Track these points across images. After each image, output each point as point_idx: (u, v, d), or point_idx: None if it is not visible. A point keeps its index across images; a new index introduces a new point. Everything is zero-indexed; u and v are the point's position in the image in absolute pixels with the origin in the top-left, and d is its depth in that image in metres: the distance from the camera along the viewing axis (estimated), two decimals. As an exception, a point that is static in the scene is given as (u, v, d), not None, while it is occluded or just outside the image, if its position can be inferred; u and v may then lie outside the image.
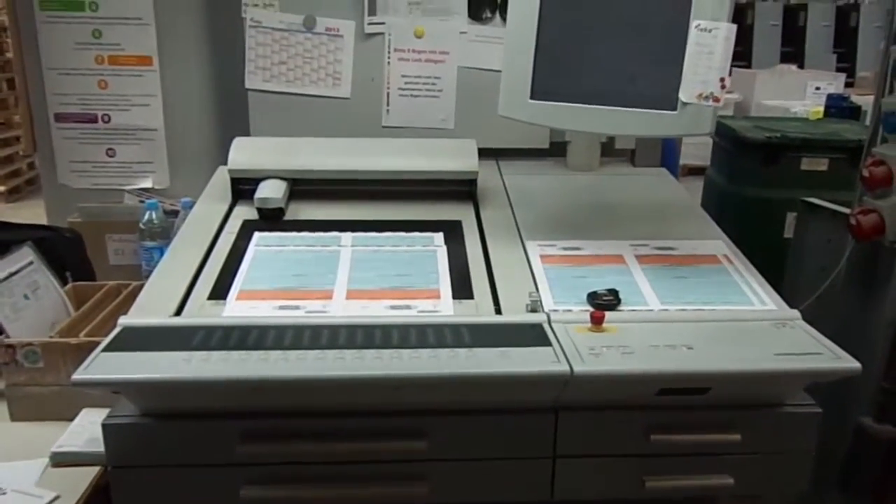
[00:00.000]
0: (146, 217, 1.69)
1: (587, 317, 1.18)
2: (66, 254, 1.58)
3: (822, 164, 2.26)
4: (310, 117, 1.79)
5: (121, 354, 1.05)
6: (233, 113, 1.88)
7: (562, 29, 1.28)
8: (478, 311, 1.23)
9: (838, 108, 3.30)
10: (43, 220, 1.99)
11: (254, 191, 1.52)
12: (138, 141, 1.97)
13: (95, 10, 1.88)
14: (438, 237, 1.46)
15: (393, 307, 1.23)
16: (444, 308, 1.24)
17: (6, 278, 1.35)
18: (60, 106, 1.93)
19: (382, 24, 1.76)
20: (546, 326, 1.17)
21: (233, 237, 1.43)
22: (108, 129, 1.96)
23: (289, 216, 1.53)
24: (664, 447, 1.14)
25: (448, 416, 1.12)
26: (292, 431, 1.10)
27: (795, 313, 1.23)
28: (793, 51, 7.77)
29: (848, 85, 5.95)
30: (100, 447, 1.09)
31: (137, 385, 1.03)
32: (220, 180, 1.62)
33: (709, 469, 1.16)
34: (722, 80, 1.17)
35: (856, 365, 1.07)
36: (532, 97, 1.32)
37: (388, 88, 1.80)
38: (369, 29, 1.76)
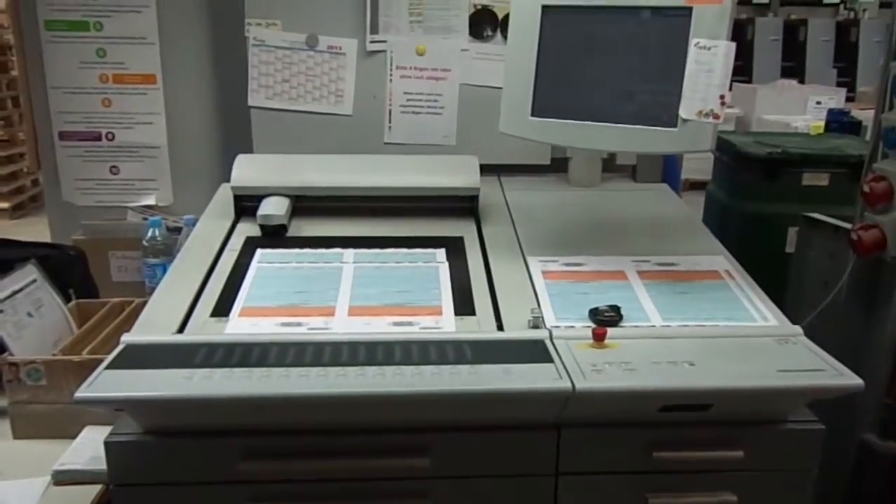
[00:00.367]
0: (149, 234, 1.70)
1: (589, 333, 1.18)
2: (69, 271, 1.59)
3: (823, 180, 2.26)
4: (312, 134, 1.80)
5: (123, 372, 1.05)
6: (236, 130, 1.88)
7: (562, 46, 1.29)
8: (479, 327, 1.24)
9: (839, 122, 3.31)
10: (47, 237, 1.99)
11: (257, 208, 1.53)
12: (142, 158, 1.98)
13: (100, 30, 1.89)
14: (440, 253, 1.46)
15: (395, 324, 1.23)
16: (446, 324, 1.24)
17: (10, 296, 1.36)
18: (65, 124, 1.94)
19: (384, 42, 1.77)
20: (548, 343, 1.17)
21: (235, 254, 1.44)
22: (111, 147, 1.96)
23: (291, 233, 1.53)
24: (667, 464, 1.14)
25: (450, 433, 1.12)
26: (294, 449, 1.10)
27: (797, 329, 1.22)
28: (793, 66, 7.80)
29: (849, 100, 5.97)
30: (102, 465, 1.09)
31: (140, 403, 1.03)
32: (223, 197, 1.63)
33: (712, 486, 1.16)
34: (722, 97, 1.18)
35: (858, 381, 1.07)
36: (533, 114, 1.33)
37: (391, 105, 1.81)
38: (371, 47, 1.78)
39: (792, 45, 7.96)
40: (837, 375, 1.08)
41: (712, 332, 1.22)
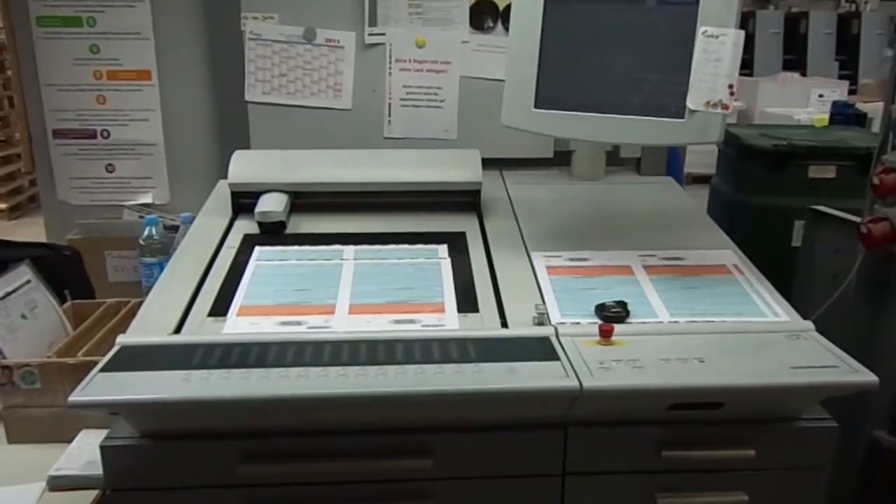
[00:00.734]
0: (146, 233, 1.67)
1: (595, 330, 1.15)
2: (64, 272, 1.56)
3: (829, 172, 2.24)
4: (310, 129, 1.77)
5: (119, 375, 1.03)
6: (233, 126, 1.86)
7: (565, 36, 1.26)
8: (483, 324, 1.21)
9: (844, 115, 3.28)
10: (43, 238, 1.97)
11: (254, 204, 1.50)
12: (138, 156, 1.95)
13: (93, 25, 1.86)
14: (442, 249, 1.43)
15: (397, 321, 1.20)
16: (449, 322, 1.21)
17: (3, 297, 1.33)
18: (59, 122, 1.91)
19: (383, 34, 1.74)
20: (554, 340, 1.14)
21: (233, 252, 1.41)
22: (107, 145, 1.94)
23: (290, 230, 1.51)
24: (677, 463, 1.11)
25: (453, 433, 1.09)
26: (294, 451, 1.07)
27: (809, 325, 1.20)
28: (794, 58, 7.76)
29: (851, 92, 5.94)
30: (98, 470, 1.06)
31: (135, 406, 1.00)
32: (221, 194, 1.60)
33: (722, 485, 1.13)
34: (730, 87, 1.15)
35: (873, 378, 1.04)
36: (536, 106, 1.30)
37: (390, 99, 1.78)
38: (370, 40, 1.75)
39: (793, 37, 7.92)
40: (852, 372, 1.05)
41: (722, 328, 1.19)
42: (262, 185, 1.54)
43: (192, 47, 1.92)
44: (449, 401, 1.02)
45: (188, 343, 1.11)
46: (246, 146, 1.75)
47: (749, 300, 1.28)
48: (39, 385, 1.23)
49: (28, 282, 1.40)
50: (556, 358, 1.08)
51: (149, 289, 1.65)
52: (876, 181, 1.53)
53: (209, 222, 1.52)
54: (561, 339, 1.14)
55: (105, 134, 1.93)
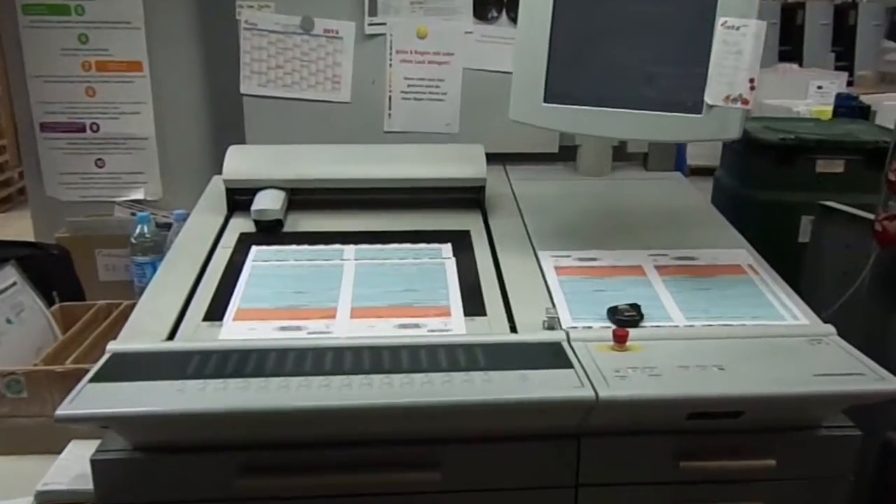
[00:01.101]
0: (137, 231, 1.62)
1: (608, 334, 1.10)
2: (52, 272, 1.50)
3: (837, 167, 2.19)
4: (308, 123, 1.72)
5: (109, 385, 0.97)
6: (227, 120, 1.81)
7: (577, 27, 1.21)
8: (491, 328, 1.16)
9: (847, 107, 3.24)
10: (32, 233, 1.91)
11: (250, 201, 1.45)
12: (129, 150, 1.89)
13: (81, 14, 1.80)
14: (446, 249, 1.38)
15: (401, 326, 1.15)
16: (456, 326, 1.16)
17: (-13, 300, 1.28)
18: (46, 115, 1.85)
19: (383, 24, 1.69)
20: (565, 345, 1.09)
21: (229, 252, 1.36)
22: (96, 139, 1.88)
23: (288, 228, 1.46)
24: (694, 474, 1.06)
25: (462, 444, 1.04)
26: (295, 463, 1.02)
27: (830, 328, 1.15)
28: (790, 49, 7.71)
29: (848, 84, 5.89)
30: (88, 484, 1.01)
31: (127, 420, 0.95)
32: (215, 191, 1.55)
33: (742, 496, 1.09)
34: (751, 80, 1.09)
35: (901, 386, 1.00)
36: (546, 100, 1.25)
37: (390, 92, 1.73)
38: (370, 30, 1.69)
39: (789, 28, 7.87)
40: (879, 380, 1.01)
41: (739, 332, 1.14)
42: (258, 182, 1.49)
43: (185, 37, 1.86)
44: (457, 412, 0.98)
45: (182, 350, 1.06)
46: (241, 140, 1.70)
47: (766, 302, 1.23)
48: (26, 394, 1.18)
49: (14, 284, 1.34)
50: (570, 365, 1.04)
51: (141, 289, 1.60)
52: (892, 177, 1.48)
53: (203, 220, 1.47)
54: (573, 344, 1.10)
55: (94, 127, 1.87)
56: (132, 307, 1.21)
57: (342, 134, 1.70)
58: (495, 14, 1.69)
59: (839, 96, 3.33)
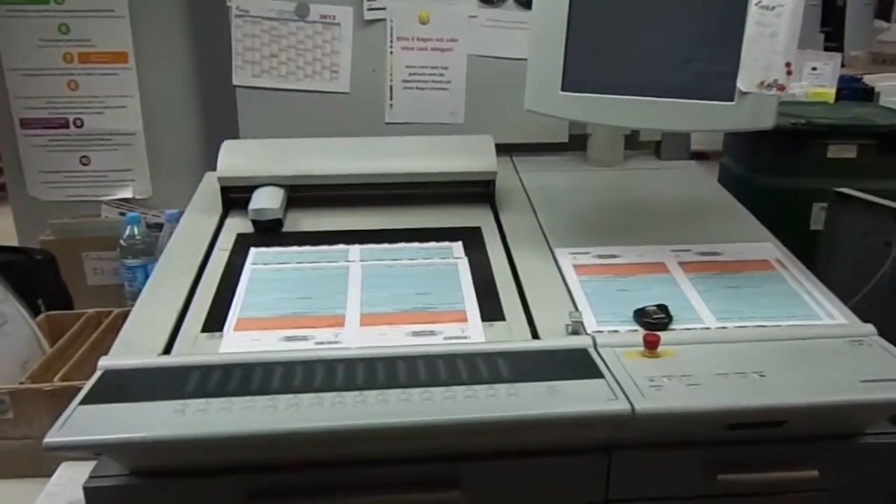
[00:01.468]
0: (127, 232, 1.53)
1: (637, 338, 1.03)
2: (37, 279, 1.42)
3: (850, 152, 2.12)
4: (305, 115, 1.64)
5: (102, 407, 0.89)
6: (220, 113, 1.72)
7: (597, 9, 1.13)
8: (511, 334, 1.09)
9: (851, 90, 3.17)
10: (13, 237, 1.82)
11: (247, 200, 1.36)
12: (115, 147, 1.81)
13: (61, 3, 1.70)
14: (457, 247, 1.31)
15: (415, 333, 1.08)
16: (473, 333, 1.09)
17: (-33, 312, 1.19)
18: (26, 111, 1.76)
19: (383, 9, 1.60)
20: (592, 352, 1.02)
21: (226, 254, 1.28)
22: (80, 135, 1.79)
23: (287, 228, 1.38)
24: (732, 487, 1.00)
25: (484, 461, 0.97)
26: (306, 485, 0.94)
27: (870, 328, 1.09)
28: (781, 30, 7.65)
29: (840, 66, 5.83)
30: (81, 513, 0.93)
31: (123, 447, 0.87)
32: (209, 188, 1.47)
33: (782, 509, 1.03)
34: (788, 64, 1.02)
35: (956, 391, 0.94)
36: (563, 89, 1.17)
37: (391, 81, 1.64)
38: (369, 15, 1.60)
39: (780, 9, 7.80)
40: (932, 385, 0.94)
41: (776, 334, 1.07)
42: (255, 179, 1.40)
43: (173, 26, 1.77)
44: (482, 429, 0.90)
45: (181, 365, 0.98)
46: (234, 135, 1.61)
47: (800, 300, 1.16)
48: (12, 414, 1.10)
49: (-5, 293, 1.25)
50: (600, 375, 0.96)
51: (132, 293, 1.52)
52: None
53: (197, 221, 1.39)
54: (600, 350, 1.03)
55: (78, 123, 1.79)
56: (124, 316, 1.13)
57: (341, 126, 1.62)
58: (502, -3, 1.60)
59: (843, 78, 3.27)
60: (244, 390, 0.92)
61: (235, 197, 1.41)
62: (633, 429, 0.93)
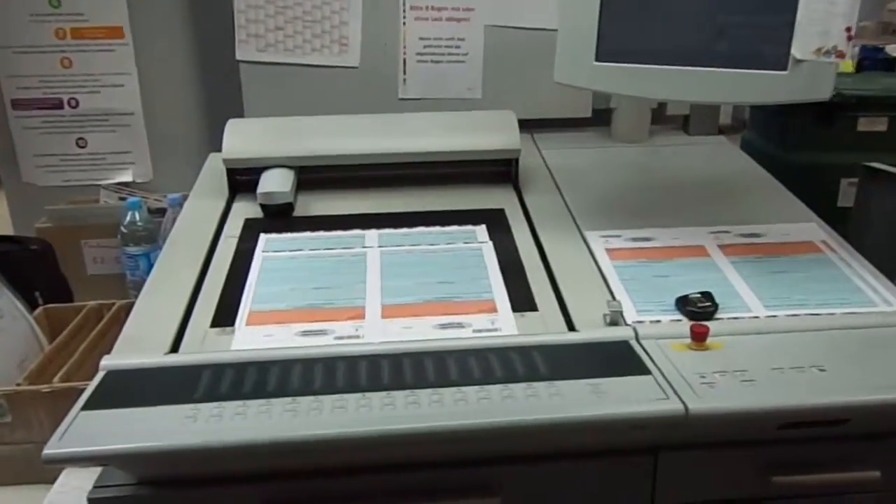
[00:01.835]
0: (128, 218, 1.45)
1: (680, 329, 0.96)
2: (33, 269, 1.34)
3: (881, 125, 2.04)
4: (314, 92, 1.56)
5: (106, 413, 0.82)
6: (223, 90, 1.65)
7: (636, -29, 1.03)
8: (546, 326, 1.01)
9: (873, 60, 3.07)
10: (8, 223, 1.74)
11: (254, 182, 1.29)
12: (112, 128, 1.72)
13: (52, -26, 1.61)
14: (481, 231, 1.23)
15: (441, 326, 1.00)
16: (505, 325, 1.01)
17: (-42, 308, 1.11)
18: (18, 90, 1.67)
19: (395, -23, 1.51)
20: (634, 344, 0.95)
21: (234, 241, 1.21)
22: (76, 116, 1.70)
23: (299, 212, 1.30)
24: (788, 489, 0.93)
25: (523, 464, 0.90)
26: (328, 494, 0.87)
27: (931, 315, 1.01)
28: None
29: (852, 35, 5.72)
30: (86, 525, 0.86)
31: (130, 458, 0.79)
32: (213, 171, 1.39)
33: (840, 511, 0.96)
34: (848, 29, 0.93)
35: None
36: (598, 59, 1.08)
37: (405, 54, 1.56)
38: (380, -16, 1.52)
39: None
40: None
41: (830, 323, 1.00)
42: (263, 160, 1.32)
43: (171, -2, 1.68)
44: (525, 433, 0.83)
45: (190, 364, 0.91)
46: (238, 113, 1.53)
47: (852, 286, 1.08)
48: (10, 418, 1.02)
49: (-11, 286, 1.17)
50: (646, 371, 0.89)
51: (134, 283, 1.44)
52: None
53: (202, 205, 1.31)
54: (643, 343, 0.95)
55: (73, 103, 1.70)
56: (126, 308, 1.07)
57: (352, 103, 1.53)
58: (522, -38, 1.51)
59: (864, 48, 3.17)
60: (260, 392, 0.85)
61: (242, 179, 1.33)
62: (683, 429, 0.85)
